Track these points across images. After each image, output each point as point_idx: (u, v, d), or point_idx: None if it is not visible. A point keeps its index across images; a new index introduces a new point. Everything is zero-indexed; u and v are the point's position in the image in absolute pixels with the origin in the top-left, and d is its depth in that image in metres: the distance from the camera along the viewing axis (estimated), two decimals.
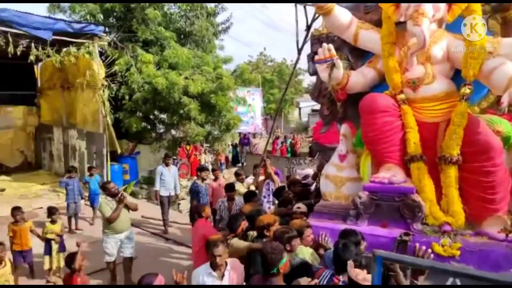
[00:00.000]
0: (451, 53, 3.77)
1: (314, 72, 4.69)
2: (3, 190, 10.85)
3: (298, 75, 29.01)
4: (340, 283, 2.84)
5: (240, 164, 17.80)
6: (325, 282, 2.93)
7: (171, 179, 8.32)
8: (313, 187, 6.04)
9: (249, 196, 5.69)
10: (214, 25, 13.80)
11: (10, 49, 8.64)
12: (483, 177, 3.53)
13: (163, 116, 12.43)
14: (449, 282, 3.14)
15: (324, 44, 4.13)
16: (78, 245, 4.26)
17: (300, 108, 32.32)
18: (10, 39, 8.60)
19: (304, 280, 2.68)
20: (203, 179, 7.28)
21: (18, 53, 8.82)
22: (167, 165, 8.40)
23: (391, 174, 3.84)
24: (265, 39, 69.97)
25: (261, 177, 7.19)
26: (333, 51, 4.07)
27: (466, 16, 3.56)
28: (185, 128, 12.22)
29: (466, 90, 3.59)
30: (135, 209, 5.75)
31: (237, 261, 3.59)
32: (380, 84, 4.23)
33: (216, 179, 7.67)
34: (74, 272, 3.98)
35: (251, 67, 27.20)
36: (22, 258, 5.69)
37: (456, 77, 3.83)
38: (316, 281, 2.72)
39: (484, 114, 3.87)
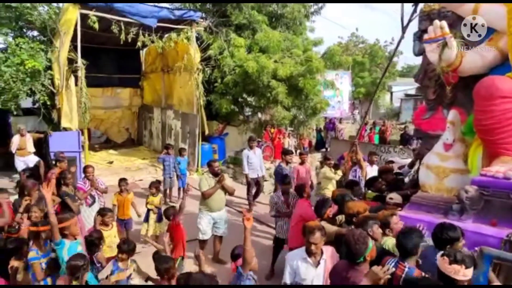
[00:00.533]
0: None
1: (420, 52, 4.34)
2: (111, 162, 12.24)
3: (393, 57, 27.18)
4: (406, 269, 2.80)
5: (324, 149, 17.50)
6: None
7: (257, 161, 8.62)
8: (407, 178, 5.68)
9: (351, 185, 5.51)
10: (306, 6, 13.51)
11: (122, 36, 9.56)
12: None
13: (251, 99, 12.69)
14: None
15: (436, 21, 3.73)
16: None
17: (392, 93, 30.35)
18: (123, 27, 9.51)
19: (376, 268, 2.59)
20: (287, 162, 7.34)
21: (129, 40, 9.71)
22: (251, 148, 8.69)
23: (507, 168, 3.41)
24: (358, 19, 66.66)
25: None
26: (447, 29, 3.66)
27: None
28: (272, 111, 12.33)
29: None
30: (231, 193, 5.97)
31: (334, 250, 3.54)
32: (501, 65, 3.74)
33: (302, 163, 7.70)
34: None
35: (341, 49, 26.28)
36: (123, 225, 6.23)
37: None
38: (388, 267, 2.64)
39: None
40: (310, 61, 11.45)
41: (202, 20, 11.41)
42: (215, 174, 5.73)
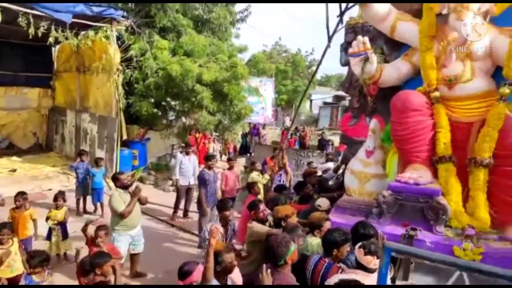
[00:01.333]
0: (494, 49, 3.61)
1: (346, 63, 4.59)
2: (14, 170, 10.93)
3: (312, 66, 28.65)
4: (326, 264, 3.08)
5: (248, 154, 17.75)
6: (313, 266, 3.13)
7: (190, 168, 8.31)
8: (332, 181, 6.00)
9: (280, 190, 5.68)
10: (232, 13, 13.60)
11: (31, 30, 8.57)
12: None
13: (175, 103, 12.36)
14: (455, 276, 3.10)
15: (359, 37, 3.99)
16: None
17: (311, 101, 31.98)
18: (32, 21, 8.55)
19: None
20: (210, 167, 7.24)
21: (39, 35, 8.75)
22: (187, 154, 8.39)
23: (418, 174, 3.75)
24: (281, 29, 69.27)
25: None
26: (368, 45, 3.94)
27: None
28: (196, 116, 12.15)
29: (506, 90, 3.45)
30: (146, 203, 5.45)
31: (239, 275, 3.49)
32: (414, 78, 4.10)
33: (231, 168, 7.67)
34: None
35: (265, 56, 26.92)
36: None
37: (498, 74, 3.67)
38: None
39: None
40: (235, 67, 11.52)
41: (123, 19, 10.80)
42: (125, 187, 5.13)
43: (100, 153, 11.09)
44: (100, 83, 11.25)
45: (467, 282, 1.33)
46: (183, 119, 12.99)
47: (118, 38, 11.02)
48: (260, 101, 20.53)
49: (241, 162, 16.90)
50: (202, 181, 7.06)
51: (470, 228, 3.51)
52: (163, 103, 12.19)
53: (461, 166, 3.74)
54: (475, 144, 3.60)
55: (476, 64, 3.67)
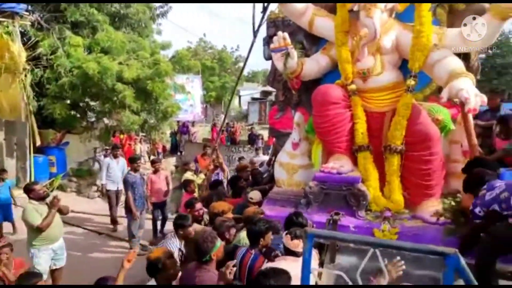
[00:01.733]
0: (400, 43, 3.88)
1: (269, 57, 4.62)
2: None
3: (239, 62, 28.82)
4: (252, 256, 3.16)
5: (179, 153, 17.37)
6: (240, 258, 3.18)
7: (118, 172, 7.82)
8: (266, 174, 6.11)
9: (216, 185, 5.73)
10: (151, 8, 13.06)
11: None
12: (421, 165, 3.73)
13: (94, 103, 11.59)
14: (370, 253, 3.34)
15: (280, 33, 4.05)
16: None
17: (240, 96, 32.23)
18: None
19: (230, 264, 2.74)
20: (135, 169, 6.89)
21: None
22: (115, 157, 7.91)
23: (340, 164, 3.94)
24: (205, 25, 68.60)
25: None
26: (288, 40, 4.01)
27: (416, 5, 3.68)
28: (119, 116, 11.52)
29: (411, 81, 3.74)
30: (67, 212, 5.02)
31: None
32: (333, 71, 4.26)
33: (156, 171, 7.28)
34: None
35: (190, 53, 26.48)
36: None
37: (404, 66, 3.96)
38: (234, 261, 2.87)
39: (427, 101, 4.08)
40: (158, 64, 11.13)
41: (27, 13, 9.78)
42: (41, 198, 4.66)
43: (10, 162, 9.99)
44: (4, 85, 10.04)
45: (379, 257, 1.53)
46: (105, 120, 12.25)
47: (23, 35, 9.98)
48: (188, 98, 20.19)
49: (171, 161, 16.51)
50: (128, 184, 6.69)
51: (387, 210, 3.79)
52: (81, 104, 11.36)
53: (378, 153, 4.00)
54: (388, 133, 3.86)
55: (385, 58, 3.92)
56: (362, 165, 3.97)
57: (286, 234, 2.95)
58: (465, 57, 3.84)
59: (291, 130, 4.70)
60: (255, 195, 4.67)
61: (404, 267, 2.36)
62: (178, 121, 17.84)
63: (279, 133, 5.30)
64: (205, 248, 2.90)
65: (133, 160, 7.10)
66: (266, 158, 8.26)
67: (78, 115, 11.61)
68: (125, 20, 12.35)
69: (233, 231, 3.68)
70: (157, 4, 13.30)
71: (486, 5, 3.55)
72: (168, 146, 17.87)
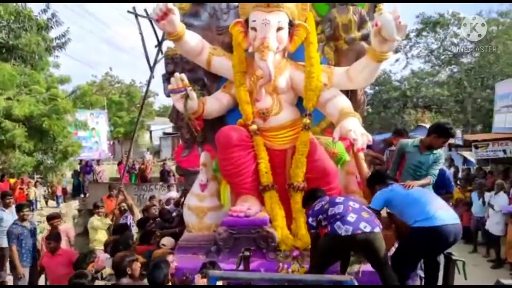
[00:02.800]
0: (294, 83, 4.04)
1: (169, 94, 4.49)
2: None
3: (149, 97, 28.21)
4: None
5: (82, 195, 15.93)
6: None
7: None
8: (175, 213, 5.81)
9: (121, 230, 5.10)
10: (47, 40, 12.15)
11: None
12: None
13: None
14: None
15: (176, 74, 3.97)
16: None
17: (151, 132, 31.38)
18: None
19: None
20: (23, 219, 5.96)
21: None
22: (6, 206, 6.60)
23: (247, 206, 3.91)
24: (111, 59, 66.10)
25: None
26: (186, 81, 3.92)
27: (305, 46, 3.90)
28: (8, 157, 10.28)
29: (307, 120, 3.91)
30: None
31: None
32: (236, 108, 4.26)
33: (54, 229, 5.75)
34: None
35: (95, 88, 25.17)
36: None
37: (301, 103, 4.10)
38: None
39: (324, 134, 4.30)
40: (56, 100, 10.32)
41: None
42: None
43: None
44: None
45: None
46: None
47: None
48: (93, 135, 19.04)
49: (73, 205, 15.04)
50: (12, 236, 5.71)
51: (295, 249, 3.81)
52: None
53: (284, 190, 4.05)
54: (290, 171, 3.96)
55: (282, 97, 4.05)
56: (269, 205, 3.98)
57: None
58: (352, 92, 4.20)
59: (199, 168, 4.59)
60: (167, 241, 4.43)
61: None
62: (80, 160, 16.56)
63: (187, 171, 5.13)
64: None
65: (20, 208, 6.11)
66: (173, 194, 7.89)
67: None
68: (15, 51, 11.29)
69: (136, 265, 3.39)
70: (54, 35, 12.47)
71: (366, 45, 3.92)
72: (69, 188, 16.32)
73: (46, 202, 13.83)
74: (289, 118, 4.07)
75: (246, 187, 4.03)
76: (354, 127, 3.36)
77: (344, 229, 2.95)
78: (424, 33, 21.14)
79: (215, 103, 4.28)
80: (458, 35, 20.74)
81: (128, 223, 6.43)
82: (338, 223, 3.00)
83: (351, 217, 3.01)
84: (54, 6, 12.13)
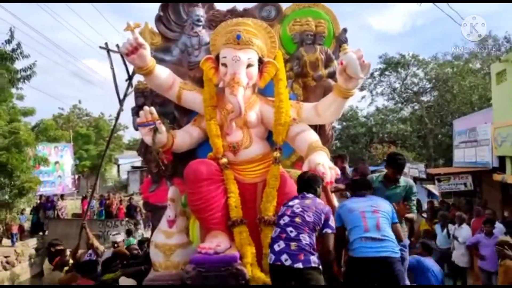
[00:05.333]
0: (263, 117, 4.10)
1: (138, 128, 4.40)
2: None
3: (118, 130, 27.70)
4: None
5: (41, 233, 15.00)
6: None
7: None
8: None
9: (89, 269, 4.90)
10: (11, 71, 11.80)
11: None
12: None
13: None
14: None
15: (146, 107, 3.92)
16: None
17: (119, 165, 30.49)
18: None
19: None
20: None
21: None
22: None
23: (217, 242, 3.78)
24: (80, 92, 64.94)
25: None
26: (155, 114, 3.87)
27: (274, 82, 4.01)
28: None
29: (277, 154, 3.93)
30: None
31: None
32: (207, 141, 4.23)
33: None
34: None
35: (61, 120, 24.51)
36: None
37: (271, 137, 4.16)
38: None
39: (294, 167, 4.32)
40: (17, 133, 9.90)
41: None
42: None
43: None
44: None
45: None
46: None
47: None
48: (57, 168, 18.33)
49: (31, 244, 14.11)
50: None
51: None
52: None
53: (254, 224, 3.96)
54: (261, 205, 3.91)
55: (252, 131, 4.08)
56: (239, 240, 3.86)
57: None
58: (321, 127, 4.31)
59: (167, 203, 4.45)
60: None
61: None
62: (41, 196, 15.76)
63: (154, 207, 4.96)
64: None
65: None
66: (118, 238, 6.65)
67: None
68: None
69: None
70: (19, 67, 12.14)
71: (333, 82, 4.07)
72: (27, 225, 15.35)
73: (0, 241, 12.95)
74: (259, 152, 4.07)
75: (216, 223, 3.91)
76: (323, 161, 3.41)
77: (269, 257, 3.08)
78: (387, 72, 22.43)
79: (185, 136, 4.25)
80: (418, 75, 22.22)
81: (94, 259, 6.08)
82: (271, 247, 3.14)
83: (278, 246, 3.07)
84: (19, 37, 11.95)
